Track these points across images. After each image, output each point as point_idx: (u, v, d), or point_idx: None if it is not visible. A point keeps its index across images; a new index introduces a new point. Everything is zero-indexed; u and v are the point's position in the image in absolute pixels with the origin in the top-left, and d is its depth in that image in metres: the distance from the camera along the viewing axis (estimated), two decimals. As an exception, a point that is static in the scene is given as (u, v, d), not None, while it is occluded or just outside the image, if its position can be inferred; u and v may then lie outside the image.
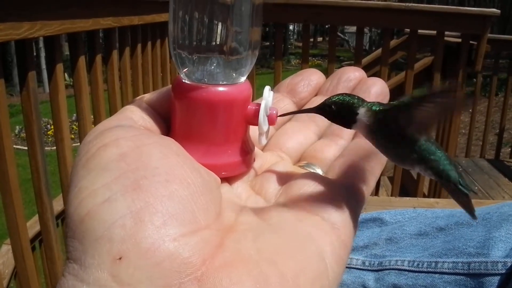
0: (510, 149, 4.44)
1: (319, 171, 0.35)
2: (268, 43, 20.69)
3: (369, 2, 2.49)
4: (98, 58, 1.83)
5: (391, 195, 2.80)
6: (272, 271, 0.24)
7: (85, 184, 0.26)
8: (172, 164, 0.27)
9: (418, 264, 0.56)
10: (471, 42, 2.54)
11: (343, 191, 0.32)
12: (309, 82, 0.41)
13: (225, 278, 0.23)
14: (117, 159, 0.26)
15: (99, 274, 0.22)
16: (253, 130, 0.34)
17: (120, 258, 0.22)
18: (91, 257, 0.23)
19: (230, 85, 0.31)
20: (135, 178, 0.25)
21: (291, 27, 22.32)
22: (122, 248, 0.23)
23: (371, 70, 3.28)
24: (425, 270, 0.55)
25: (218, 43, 0.29)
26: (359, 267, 0.61)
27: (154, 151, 0.27)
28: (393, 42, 3.47)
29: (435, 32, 2.55)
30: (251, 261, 0.24)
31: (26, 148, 1.47)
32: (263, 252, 0.25)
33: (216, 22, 0.29)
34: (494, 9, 2.51)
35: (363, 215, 0.70)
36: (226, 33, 0.29)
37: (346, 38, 19.76)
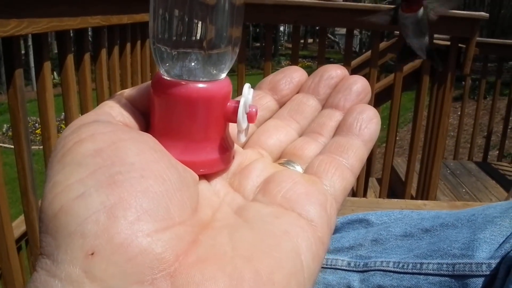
0: (497, 152, 4.47)
1: (298, 168, 0.35)
2: (258, 44, 20.76)
3: (358, 4, 2.50)
4: (87, 57, 1.83)
5: (379, 197, 2.82)
6: (247, 267, 0.24)
7: (59, 179, 0.25)
8: (149, 160, 0.26)
9: (403, 265, 0.56)
10: (460, 45, 2.56)
11: (321, 188, 0.31)
12: (291, 79, 0.40)
13: (198, 274, 0.23)
14: (93, 155, 0.26)
15: (71, 270, 0.22)
16: (233, 128, 0.33)
17: (92, 254, 0.22)
18: (63, 253, 0.23)
19: (210, 82, 0.30)
20: (110, 173, 0.25)
21: (281, 28, 22.42)
22: (95, 244, 0.22)
23: (360, 72, 3.29)
24: (410, 271, 0.55)
25: (197, 38, 0.29)
26: (345, 268, 0.61)
27: (130, 147, 0.27)
28: (383, 44, 3.49)
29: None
30: (226, 258, 0.24)
31: (13, 146, 1.46)
32: (238, 248, 0.25)
33: (196, 16, 0.29)
34: (483, 13, 2.53)
35: (349, 216, 0.70)
36: (205, 28, 0.29)
37: (337, 40, 19.85)
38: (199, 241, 0.25)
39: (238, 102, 0.31)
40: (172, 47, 0.29)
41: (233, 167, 0.34)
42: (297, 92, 0.41)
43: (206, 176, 0.32)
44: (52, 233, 0.23)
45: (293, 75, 0.41)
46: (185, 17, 0.29)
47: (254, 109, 0.33)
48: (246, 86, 0.33)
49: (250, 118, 0.33)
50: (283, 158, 0.36)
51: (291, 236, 0.27)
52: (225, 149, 0.32)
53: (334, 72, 0.40)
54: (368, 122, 0.35)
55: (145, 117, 0.33)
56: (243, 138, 0.34)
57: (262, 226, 0.27)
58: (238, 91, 0.32)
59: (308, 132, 0.38)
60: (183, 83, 0.30)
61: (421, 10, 1.66)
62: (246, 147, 0.37)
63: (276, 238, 0.27)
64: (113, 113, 0.31)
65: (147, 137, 0.29)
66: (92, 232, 0.23)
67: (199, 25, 0.29)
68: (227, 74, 0.32)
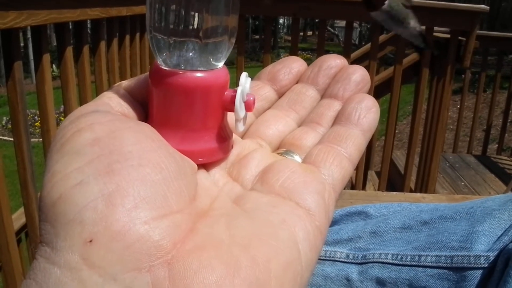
0: (497, 146, 4.48)
1: (297, 158, 0.35)
2: (257, 36, 20.73)
3: (358, -4, 2.49)
4: (86, 49, 1.82)
5: (378, 190, 2.82)
6: (244, 255, 0.24)
7: (58, 168, 0.25)
8: (146, 149, 0.26)
9: (401, 258, 0.56)
10: (460, 38, 2.56)
11: (319, 177, 0.31)
12: (290, 69, 0.40)
13: (195, 261, 0.23)
14: (91, 144, 0.26)
15: (70, 257, 0.22)
16: (232, 117, 0.33)
17: (91, 241, 0.22)
18: (62, 240, 0.23)
19: (207, 71, 0.30)
20: (108, 162, 0.25)
21: (281, 21, 22.36)
22: (93, 231, 0.23)
23: (360, 64, 3.27)
24: (408, 263, 0.55)
25: (194, 27, 0.29)
26: (343, 260, 0.61)
27: (128, 136, 0.27)
28: (382, 37, 3.48)
29: (424, 27, 2.56)
30: (223, 246, 0.24)
31: (13, 139, 1.46)
32: (235, 237, 0.25)
33: (192, 5, 0.29)
34: (483, 6, 2.52)
35: (347, 208, 0.70)
36: (201, 17, 0.29)
37: (336, 33, 19.81)
38: (196, 229, 0.25)
39: (236, 91, 0.32)
40: (169, 35, 0.29)
41: (232, 157, 0.34)
42: (296, 82, 0.41)
43: (205, 166, 0.32)
44: (51, 221, 0.24)
45: (292, 65, 0.40)
46: (181, 6, 0.29)
47: (251, 98, 0.33)
48: (243, 75, 0.33)
49: (248, 106, 0.33)
50: (282, 148, 0.36)
51: (289, 225, 0.27)
52: (224, 138, 0.32)
53: (333, 62, 0.40)
54: (367, 112, 0.35)
55: (144, 107, 0.33)
56: (241, 127, 0.34)
57: (259, 215, 0.27)
58: (237, 84, 0.32)
59: (307, 122, 0.38)
60: (180, 72, 0.30)
61: (386, 3, 1.60)
62: (245, 137, 0.37)
63: (273, 226, 0.27)
64: (111, 103, 0.31)
65: (145, 126, 0.29)
66: (90, 220, 0.23)
67: (195, 14, 0.29)
68: (227, 66, 0.33)
